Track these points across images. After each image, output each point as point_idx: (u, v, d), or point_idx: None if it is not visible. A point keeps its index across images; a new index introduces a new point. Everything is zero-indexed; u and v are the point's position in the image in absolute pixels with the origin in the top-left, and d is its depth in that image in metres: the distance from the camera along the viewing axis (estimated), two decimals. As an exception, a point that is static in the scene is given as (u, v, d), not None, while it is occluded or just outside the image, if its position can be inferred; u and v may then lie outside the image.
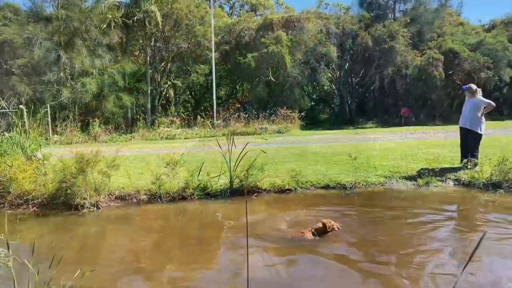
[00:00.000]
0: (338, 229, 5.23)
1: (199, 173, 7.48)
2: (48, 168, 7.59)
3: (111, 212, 6.87)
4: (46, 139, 14.99)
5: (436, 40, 25.25)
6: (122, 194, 7.32)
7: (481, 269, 4.30)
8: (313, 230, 5.22)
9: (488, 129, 15.17)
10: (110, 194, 7.26)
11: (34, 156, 8.28)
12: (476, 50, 23.48)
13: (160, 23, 19.99)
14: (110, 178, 7.29)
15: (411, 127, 20.20)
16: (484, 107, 8.19)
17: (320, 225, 5.22)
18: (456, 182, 7.85)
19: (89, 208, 6.76)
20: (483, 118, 8.26)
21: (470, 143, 8.32)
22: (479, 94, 8.34)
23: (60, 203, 6.93)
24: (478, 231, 5.41)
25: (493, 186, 7.39)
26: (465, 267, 3.52)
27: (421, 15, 26.01)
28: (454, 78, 23.63)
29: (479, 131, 8.20)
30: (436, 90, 23.57)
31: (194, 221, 6.46)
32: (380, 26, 23.91)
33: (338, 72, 25.52)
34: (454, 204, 7.01)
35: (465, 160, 8.19)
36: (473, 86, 8.43)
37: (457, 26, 28.18)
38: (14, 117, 10.87)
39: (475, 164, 8.04)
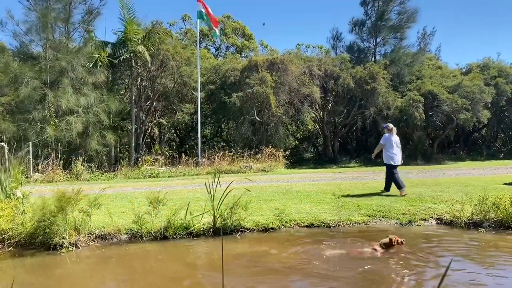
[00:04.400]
0: (402, 243, 6.05)
1: (186, 212, 7.39)
2: (27, 206, 7.43)
3: (90, 252, 6.70)
4: (27, 177, 14.75)
5: (416, 82, 26.08)
6: (103, 233, 7.17)
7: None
8: (381, 243, 6.00)
9: (468, 169, 15.43)
10: (90, 233, 7.10)
11: (13, 194, 8.11)
12: (454, 93, 24.25)
13: (148, 63, 20.31)
14: (91, 217, 7.16)
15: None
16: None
17: (387, 240, 6.00)
18: (438, 221, 7.92)
19: (68, 247, 6.59)
20: (389, 152, 10.29)
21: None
22: (393, 133, 10.23)
23: (38, 242, 6.73)
24: (456, 269, 5.42)
25: (474, 225, 7.47)
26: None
27: (400, 58, 26.99)
28: (434, 119, 24.25)
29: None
30: (417, 130, 24.12)
31: (175, 261, 6.32)
32: (361, 68, 24.65)
33: (322, 112, 26.00)
34: (435, 242, 7.03)
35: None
36: (390, 125, 10.40)
37: (436, 69, 29.24)
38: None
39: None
